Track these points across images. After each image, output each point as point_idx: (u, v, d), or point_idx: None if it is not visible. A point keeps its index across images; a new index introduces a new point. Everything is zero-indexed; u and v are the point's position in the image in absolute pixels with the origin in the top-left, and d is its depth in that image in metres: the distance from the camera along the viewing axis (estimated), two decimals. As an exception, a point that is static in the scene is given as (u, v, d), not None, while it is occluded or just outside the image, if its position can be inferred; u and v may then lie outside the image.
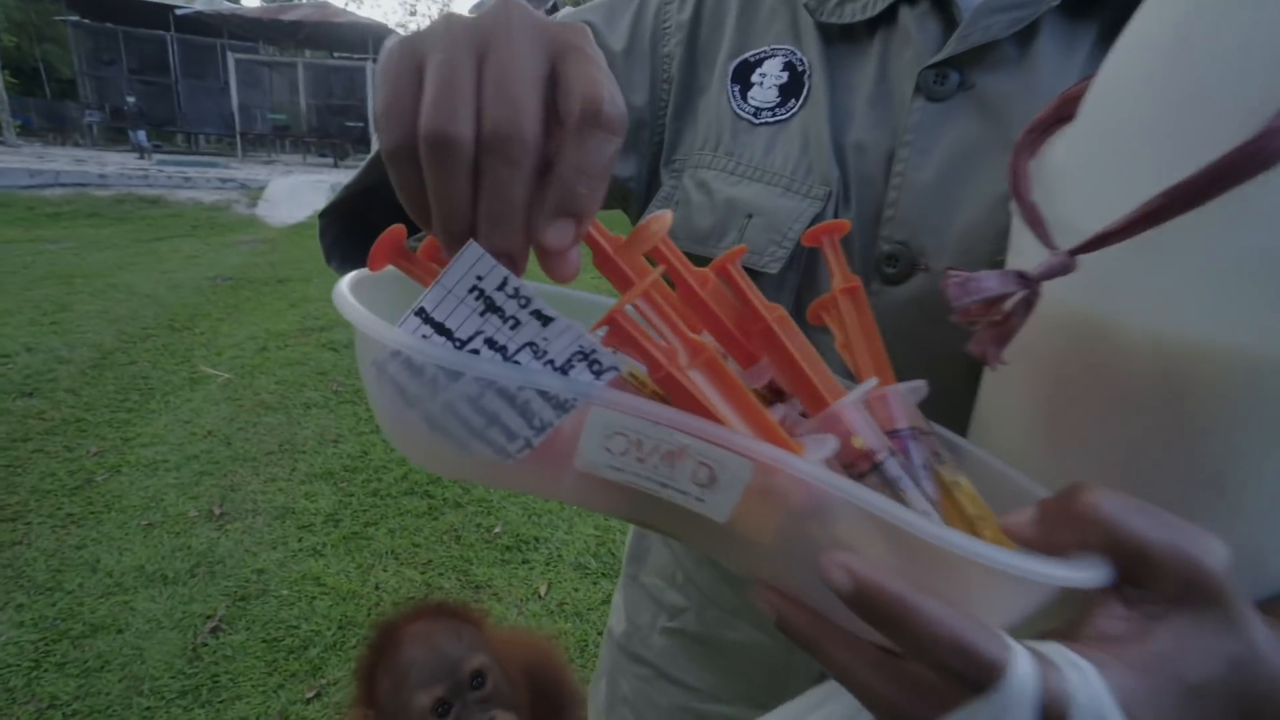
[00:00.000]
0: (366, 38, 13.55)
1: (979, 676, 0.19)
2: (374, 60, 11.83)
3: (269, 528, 2.05)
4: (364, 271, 0.30)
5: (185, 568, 1.84)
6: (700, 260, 0.48)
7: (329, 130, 12.86)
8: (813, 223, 0.43)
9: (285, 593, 1.79)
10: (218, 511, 2.10)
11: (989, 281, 0.24)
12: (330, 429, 2.66)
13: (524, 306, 0.23)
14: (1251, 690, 0.21)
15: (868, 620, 0.21)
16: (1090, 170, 0.28)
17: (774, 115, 0.46)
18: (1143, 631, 0.21)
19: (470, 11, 0.26)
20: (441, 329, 0.23)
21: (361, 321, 0.24)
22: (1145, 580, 0.21)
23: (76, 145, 12.06)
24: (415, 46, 0.23)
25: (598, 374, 0.23)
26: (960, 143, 0.40)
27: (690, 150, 0.50)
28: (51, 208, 6.58)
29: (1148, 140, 0.25)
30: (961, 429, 0.36)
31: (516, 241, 0.23)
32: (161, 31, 12.89)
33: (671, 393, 0.24)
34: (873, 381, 0.29)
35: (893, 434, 0.27)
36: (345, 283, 0.27)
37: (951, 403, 0.36)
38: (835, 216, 0.43)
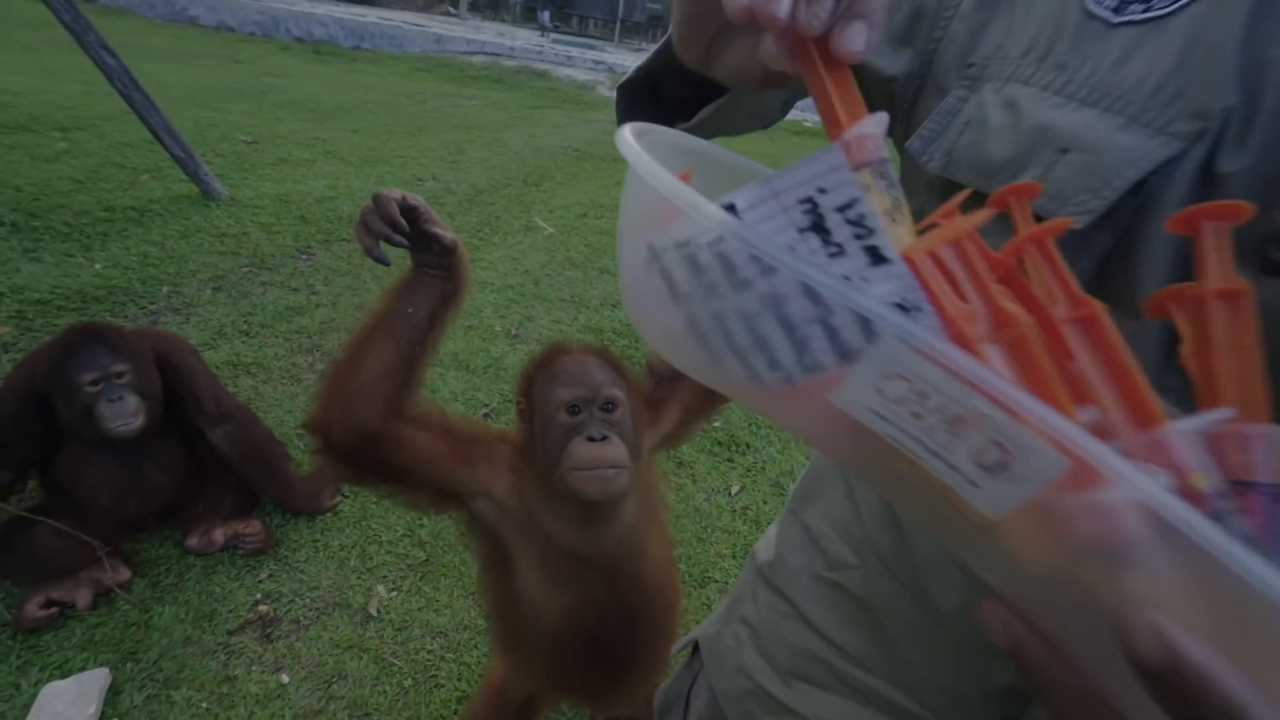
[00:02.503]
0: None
1: None
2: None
3: (544, 357, 2.48)
4: (647, 127, 0.29)
5: (481, 364, 2.36)
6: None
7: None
8: (1157, 171, 0.32)
9: (540, 409, 2.18)
10: (514, 332, 2.60)
11: None
12: (613, 294, 3.01)
13: (860, 238, 0.20)
14: None
15: (1166, 705, 0.16)
16: None
17: (1147, 10, 0.34)
18: None
19: None
20: None
21: (675, 193, 0.21)
22: None
23: (502, 21, 14.64)
24: None
25: None
26: None
27: (1000, 56, 0.39)
28: (475, 71, 8.24)
29: None
30: None
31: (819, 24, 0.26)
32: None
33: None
34: (1225, 412, 0.22)
35: (1244, 486, 0.21)
36: (629, 130, 0.25)
37: None
38: (1209, 165, 0.31)
